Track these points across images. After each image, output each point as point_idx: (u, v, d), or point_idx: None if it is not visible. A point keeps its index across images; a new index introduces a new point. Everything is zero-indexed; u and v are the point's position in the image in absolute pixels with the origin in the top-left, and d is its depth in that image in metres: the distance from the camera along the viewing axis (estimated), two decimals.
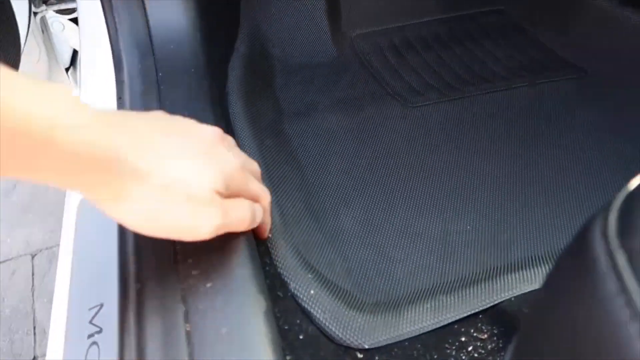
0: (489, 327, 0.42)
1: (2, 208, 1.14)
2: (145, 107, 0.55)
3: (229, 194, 0.35)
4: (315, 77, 0.79)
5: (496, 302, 0.44)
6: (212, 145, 0.35)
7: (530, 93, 0.76)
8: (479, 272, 0.49)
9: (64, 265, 0.51)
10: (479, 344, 0.41)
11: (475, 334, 0.42)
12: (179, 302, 0.37)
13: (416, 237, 0.55)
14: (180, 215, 0.32)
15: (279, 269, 0.45)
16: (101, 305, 0.45)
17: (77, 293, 0.47)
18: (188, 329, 0.35)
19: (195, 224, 0.33)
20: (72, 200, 0.55)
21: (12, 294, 1.00)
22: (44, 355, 0.61)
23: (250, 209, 0.38)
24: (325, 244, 0.53)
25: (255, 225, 0.40)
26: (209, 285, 0.37)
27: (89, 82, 0.65)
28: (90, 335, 0.44)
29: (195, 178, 0.32)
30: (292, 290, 0.44)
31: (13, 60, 0.54)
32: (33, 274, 1.05)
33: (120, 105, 0.57)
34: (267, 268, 0.44)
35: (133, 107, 0.56)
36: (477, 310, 0.43)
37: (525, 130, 0.69)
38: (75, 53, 0.89)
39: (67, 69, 0.91)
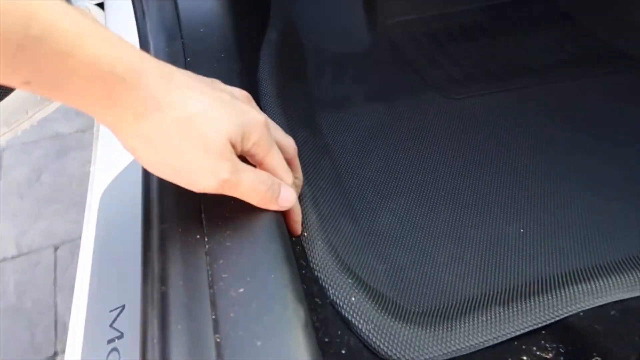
0: (555, 345, 0.37)
1: (25, 200, 1.13)
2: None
3: (247, 152, 0.33)
4: (348, 68, 0.75)
5: (561, 316, 0.39)
6: (238, 100, 0.34)
7: (584, 85, 0.70)
8: (536, 282, 0.44)
9: (85, 261, 0.48)
10: None
11: (538, 353, 0.37)
12: (208, 309, 0.33)
13: (462, 240, 0.50)
14: (190, 156, 0.31)
15: (316, 273, 0.41)
16: (123, 307, 0.42)
17: (97, 293, 0.44)
18: (218, 339, 0.31)
19: (202, 169, 0.32)
20: (95, 193, 0.52)
21: (34, 286, 0.98)
22: (64, 351, 0.59)
23: (267, 181, 0.34)
24: (364, 245, 0.49)
25: (273, 205, 0.36)
26: (241, 290, 0.33)
27: None
28: (110, 341, 0.40)
29: (213, 121, 0.31)
30: (331, 297, 0.39)
31: None
32: (55, 267, 1.03)
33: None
34: (304, 271, 0.40)
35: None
36: (539, 325, 0.38)
37: (580, 126, 0.63)
38: None
39: None
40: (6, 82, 0.25)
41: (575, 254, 0.48)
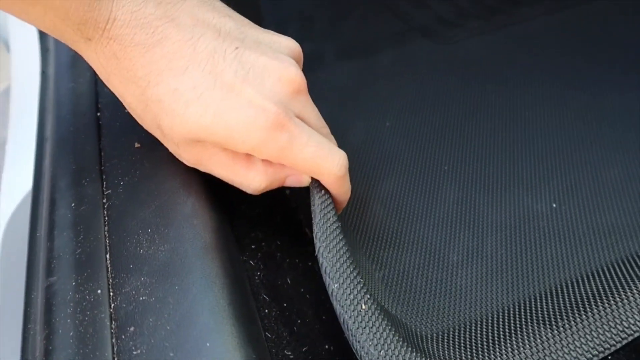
0: None
1: None
2: (75, 78, 0.39)
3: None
4: (315, 22, 0.61)
5: (635, 334, 0.27)
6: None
7: (603, 7, 0.56)
8: (586, 277, 0.33)
9: None
10: None
11: None
12: None
13: (478, 229, 0.38)
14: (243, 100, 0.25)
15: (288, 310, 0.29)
16: None
17: None
18: None
19: (249, 114, 0.25)
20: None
21: None
22: None
23: (334, 151, 0.28)
24: (353, 246, 0.37)
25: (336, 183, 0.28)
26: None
27: None
28: None
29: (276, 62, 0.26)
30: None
31: None
32: None
33: (44, 82, 0.41)
34: (267, 310, 0.28)
35: (59, 86, 0.39)
36: (607, 352, 0.27)
37: (609, 60, 0.50)
38: None
39: None
40: None
41: (631, 231, 0.36)
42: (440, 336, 0.31)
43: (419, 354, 0.28)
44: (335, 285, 0.25)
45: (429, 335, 0.32)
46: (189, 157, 0.28)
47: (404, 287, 0.35)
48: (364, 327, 0.25)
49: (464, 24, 0.57)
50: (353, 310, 0.25)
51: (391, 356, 0.25)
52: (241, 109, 0.25)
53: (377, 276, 0.37)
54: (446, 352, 0.30)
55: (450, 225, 0.38)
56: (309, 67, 0.54)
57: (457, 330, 0.32)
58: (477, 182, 0.41)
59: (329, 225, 0.28)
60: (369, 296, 0.27)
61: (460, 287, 0.35)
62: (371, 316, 0.26)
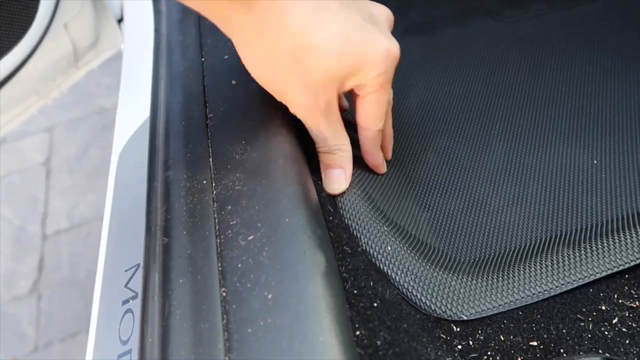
0: None
1: (74, 174, 1.15)
2: (183, 35, 0.47)
3: (356, 87, 0.34)
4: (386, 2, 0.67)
5: None
6: (371, 24, 0.33)
7: None
8: (614, 220, 0.37)
9: (105, 226, 0.45)
10: (628, 314, 0.30)
11: (621, 301, 0.30)
12: (214, 260, 0.28)
13: (521, 179, 0.43)
14: (290, 89, 0.32)
15: (345, 220, 0.36)
16: (137, 266, 0.38)
17: (113, 253, 0.41)
18: (224, 293, 0.27)
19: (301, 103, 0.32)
20: (114, 153, 0.49)
21: (86, 258, 1.00)
22: None
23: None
24: (404, 192, 0.42)
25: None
26: (250, 238, 0.29)
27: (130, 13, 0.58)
28: (125, 302, 0.37)
29: (324, 59, 0.31)
30: (364, 246, 0.34)
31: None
32: None
33: (157, 37, 0.49)
34: (331, 217, 0.35)
35: (170, 39, 0.48)
36: (620, 268, 0.31)
37: None
38: None
39: (119, 21, 0.85)
40: None
41: None
42: (476, 261, 0.36)
43: (449, 273, 0.33)
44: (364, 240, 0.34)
45: (465, 260, 0.37)
46: (322, 99, 0.33)
47: (447, 226, 0.40)
48: (392, 263, 0.32)
49: (525, 5, 0.61)
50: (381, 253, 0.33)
51: (418, 282, 0.32)
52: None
53: (423, 217, 0.42)
54: (480, 270, 0.35)
55: (495, 174, 0.43)
56: None
57: (493, 257, 0.37)
58: (524, 139, 0.45)
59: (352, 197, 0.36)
60: (394, 239, 0.34)
61: (499, 226, 0.39)
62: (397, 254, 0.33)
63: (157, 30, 0.50)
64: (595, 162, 0.42)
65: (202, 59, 0.43)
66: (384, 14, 0.36)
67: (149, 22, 0.52)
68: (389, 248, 0.34)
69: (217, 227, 0.30)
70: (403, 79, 0.54)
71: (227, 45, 0.44)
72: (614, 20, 0.57)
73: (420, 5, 0.64)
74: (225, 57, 0.43)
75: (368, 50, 0.31)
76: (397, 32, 0.61)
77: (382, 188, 0.41)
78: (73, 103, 1.25)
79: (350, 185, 0.37)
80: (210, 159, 0.34)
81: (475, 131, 0.47)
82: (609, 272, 0.31)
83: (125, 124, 0.49)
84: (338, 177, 0.36)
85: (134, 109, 0.48)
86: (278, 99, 0.34)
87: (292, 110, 0.34)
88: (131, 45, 0.55)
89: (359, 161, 0.40)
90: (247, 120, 0.36)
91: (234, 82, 0.40)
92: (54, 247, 1.02)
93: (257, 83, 0.36)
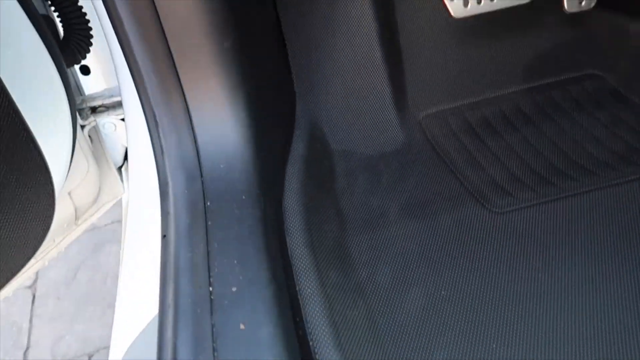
0: None
1: (61, 300, 1.13)
2: (192, 248, 0.49)
3: None
4: (381, 175, 0.70)
5: None
6: None
7: None
8: None
9: None
10: None
11: None
12: None
13: None
14: None
15: None
16: None
17: None
18: None
19: None
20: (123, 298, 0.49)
21: None
22: None
23: None
24: None
25: None
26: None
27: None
28: None
29: None
30: None
31: (46, 205, 0.49)
32: None
33: (165, 245, 0.51)
34: None
35: (178, 248, 0.49)
36: None
37: None
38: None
39: (119, 167, 0.88)
40: None
41: None
42: None
43: None
44: None
45: None
46: None
47: None
48: None
49: (513, 193, 0.64)
50: None
51: None
52: None
53: None
54: None
55: None
56: (373, 224, 0.63)
57: None
58: (523, 342, 0.47)
59: None
60: None
61: None
62: None
63: (164, 236, 0.51)
64: None
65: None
66: None
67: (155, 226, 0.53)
68: None
69: None
70: (403, 275, 0.56)
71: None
72: (604, 214, 0.60)
73: (412, 183, 0.67)
74: (234, 289, 0.44)
75: None
76: (395, 213, 0.64)
77: None
78: None
79: None
80: None
81: (474, 345, 0.48)
82: None
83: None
84: None
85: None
86: None
87: None
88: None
89: None
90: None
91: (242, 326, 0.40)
92: None
93: (266, 326, 0.37)
